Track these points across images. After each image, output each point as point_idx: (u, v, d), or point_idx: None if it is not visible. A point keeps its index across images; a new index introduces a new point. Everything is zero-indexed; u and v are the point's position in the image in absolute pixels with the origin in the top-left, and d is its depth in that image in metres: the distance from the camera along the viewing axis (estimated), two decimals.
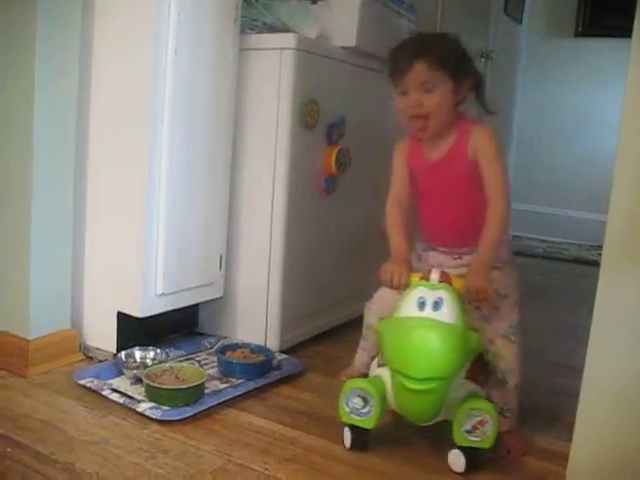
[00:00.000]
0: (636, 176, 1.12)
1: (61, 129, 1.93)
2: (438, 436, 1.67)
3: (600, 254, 1.17)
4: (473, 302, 1.52)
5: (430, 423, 1.55)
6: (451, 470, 1.52)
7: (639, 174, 1.12)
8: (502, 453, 1.56)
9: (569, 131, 4.55)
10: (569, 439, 1.26)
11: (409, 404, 1.51)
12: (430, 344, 1.41)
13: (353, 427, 1.58)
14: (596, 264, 1.21)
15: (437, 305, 1.46)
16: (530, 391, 1.86)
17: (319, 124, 2.18)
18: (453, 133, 1.64)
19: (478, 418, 1.46)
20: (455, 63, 1.60)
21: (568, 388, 1.83)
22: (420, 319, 1.46)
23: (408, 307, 1.50)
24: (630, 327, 1.13)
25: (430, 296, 1.48)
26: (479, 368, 1.61)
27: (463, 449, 1.49)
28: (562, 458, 1.40)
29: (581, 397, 1.18)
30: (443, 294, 1.48)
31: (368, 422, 1.56)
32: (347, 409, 1.57)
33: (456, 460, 1.50)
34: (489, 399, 1.55)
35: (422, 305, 1.48)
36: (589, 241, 4.41)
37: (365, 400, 1.55)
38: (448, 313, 1.46)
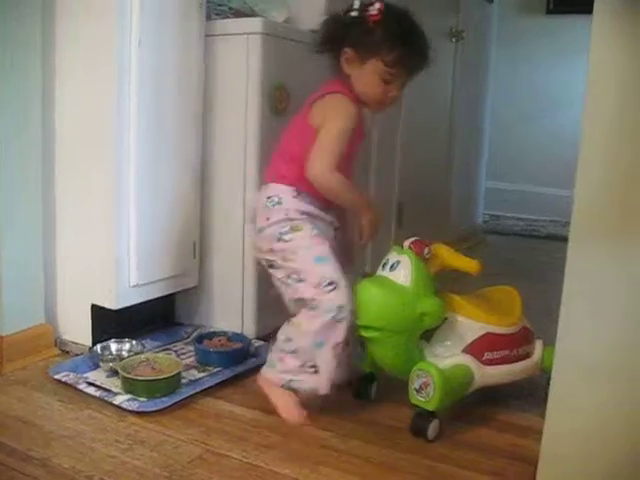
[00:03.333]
0: (604, 142, 1.12)
1: (26, 118, 1.90)
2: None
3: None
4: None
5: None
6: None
7: (606, 138, 1.12)
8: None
9: (542, 109, 4.55)
10: (543, 414, 1.27)
11: (371, 351, 1.67)
12: (369, 296, 1.59)
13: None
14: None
15: (393, 267, 1.62)
16: None
17: (289, 109, 2.17)
18: None
19: (423, 379, 1.57)
20: None
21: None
22: (373, 277, 1.65)
23: (379, 266, 1.68)
24: (599, 300, 1.14)
25: (392, 258, 1.64)
26: None
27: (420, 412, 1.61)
28: (536, 433, 1.41)
29: (553, 372, 1.18)
30: (402, 258, 1.61)
31: (365, 365, 1.76)
32: None
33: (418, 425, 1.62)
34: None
35: (384, 266, 1.65)
36: (564, 218, 4.43)
37: (362, 345, 1.71)
38: (401, 275, 1.60)
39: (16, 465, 1.42)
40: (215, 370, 1.91)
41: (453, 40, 3.39)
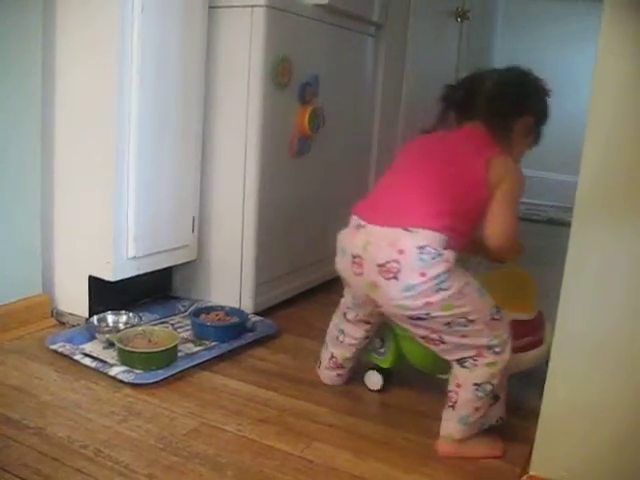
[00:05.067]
0: (609, 123, 1.11)
1: (26, 86, 1.88)
2: (413, 402, 1.69)
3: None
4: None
5: (439, 374, 1.62)
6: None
7: (612, 120, 1.11)
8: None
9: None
10: (541, 394, 1.26)
11: (408, 348, 1.63)
12: None
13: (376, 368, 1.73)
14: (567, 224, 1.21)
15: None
16: None
17: (292, 83, 2.15)
18: None
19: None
20: None
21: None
22: None
23: None
24: (602, 280, 1.13)
25: None
26: None
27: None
28: (534, 413, 1.41)
29: (552, 351, 1.18)
30: None
31: (384, 362, 1.70)
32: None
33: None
34: None
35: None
36: (566, 203, 4.41)
37: (382, 341, 1.69)
38: None
39: (11, 433, 1.41)
40: (212, 344, 1.90)
41: (458, 20, 3.36)
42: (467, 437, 1.45)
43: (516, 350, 1.56)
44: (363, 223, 1.46)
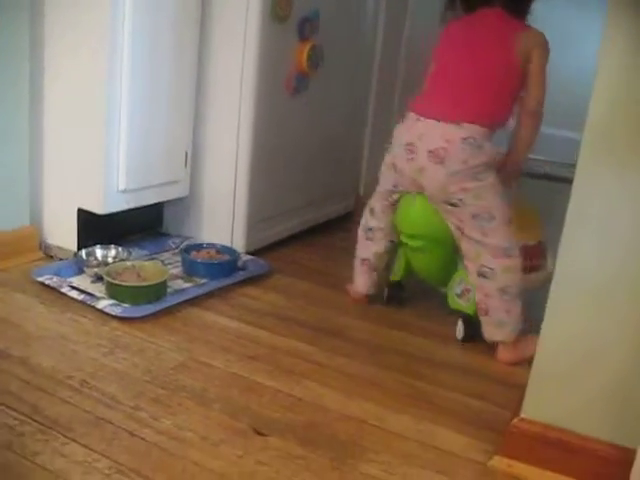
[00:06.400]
0: (618, 71, 1.07)
1: (14, 19, 1.81)
2: (403, 344, 1.68)
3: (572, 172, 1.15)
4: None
5: (442, 287, 1.81)
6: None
7: (621, 67, 1.07)
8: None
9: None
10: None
11: (413, 261, 1.80)
12: (415, 207, 1.69)
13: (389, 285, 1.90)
14: (568, 181, 1.19)
15: (421, 189, 1.66)
16: None
17: (291, 17, 2.07)
18: None
19: (465, 285, 1.70)
20: None
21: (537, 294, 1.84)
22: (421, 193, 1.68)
23: None
24: (604, 221, 1.10)
25: None
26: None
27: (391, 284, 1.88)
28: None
29: (552, 290, 1.15)
30: None
31: (394, 276, 1.89)
32: None
33: (458, 328, 1.74)
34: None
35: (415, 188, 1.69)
36: (562, 159, 4.37)
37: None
38: None
39: None
40: (202, 281, 1.88)
41: None
42: (514, 338, 1.63)
43: None
44: (421, 118, 1.65)
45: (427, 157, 1.61)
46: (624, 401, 1.14)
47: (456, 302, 1.73)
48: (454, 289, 1.73)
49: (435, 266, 1.77)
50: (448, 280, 1.76)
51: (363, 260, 1.87)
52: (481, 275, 1.63)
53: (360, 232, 1.87)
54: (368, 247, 1.85)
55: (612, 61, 1.08)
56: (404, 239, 1.74)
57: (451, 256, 1.74)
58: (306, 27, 2.13)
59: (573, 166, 1.12)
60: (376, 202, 1.81)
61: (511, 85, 1.64)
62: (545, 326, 1.17)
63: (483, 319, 1.65)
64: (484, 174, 1.60)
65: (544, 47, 1.64)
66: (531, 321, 1.53)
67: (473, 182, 1.59)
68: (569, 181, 1.14)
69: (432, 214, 1.67)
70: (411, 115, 1.69)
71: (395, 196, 1.74)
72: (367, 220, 1.85)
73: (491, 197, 1.61)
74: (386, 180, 1.76)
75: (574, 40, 4.07)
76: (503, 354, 1.64)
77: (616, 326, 1.12)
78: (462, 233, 1.64)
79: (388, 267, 1.89)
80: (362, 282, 1.88)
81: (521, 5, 1.69)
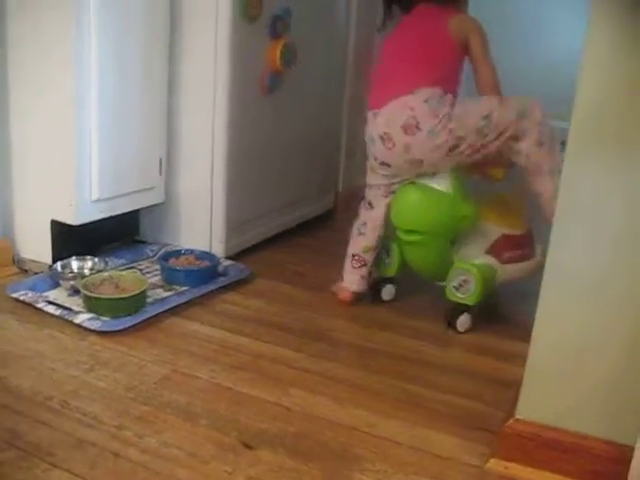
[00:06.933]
0: (604, 60, 1.05)
1: None
2: (389, 346, 1.65)
3: None
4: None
5: (438, 281, 1.80)
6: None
7: (607, 57, 1.04)
8: None
9: (528, 37, 4.42)
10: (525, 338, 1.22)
11: (409, 255, 1.79)
12: (412, 202, 1.69)
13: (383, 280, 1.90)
14: None
15: (433, 174, 1.71)
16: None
17: (262, 16, 2.03)
18: None
19: (463, 277, 1.71)
20: None
21: (528, 291, 1.82)
22: (414, 183, 1.71)
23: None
24: (593, 220, 1.08)
25: None
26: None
27: (386, 280, 1.88)
28: (517, 357, 1.38)
29: (542, 287, 1.13)
30: None
31: (389, 271, 1.87)
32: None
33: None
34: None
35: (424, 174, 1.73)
36: None
37: (387, 252, 1.87)
38: (442, 182, 1.69)
39: None
40: (182, 289, 1.83)
41: None
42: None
43: (508, 261, 1.78)
44: (376, 111, 1.72)
45: (403, 134, 1.67)
46: (619, 397, 1.12)
47: (454, 295, 1.73)
48: (452, 282, 1.73)
49: (431, 260, 1.78)
50: (444, 273, 1.76)
51: (354, 256, 1.87)
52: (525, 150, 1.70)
53: (354, 229, 1.88)
54: (359, 242, 1.86)
55: (598, 51, 1.05)
56: (400, 234, 1.74)
57: (446, 249, 1.76)
58: (278, 25, 2.09)
59: None
60: (372, 196, 1.83)
61: (449, 57, 1.73)
62: (537, 325, 1.15)
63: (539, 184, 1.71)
64: (454, 110, 1.67)
65: (478, 31, 1.74)
66: None
67: (452, 121, 1.65)
68: None
69: (428, 208, 1.68)
70: (369, 114, 1.75)
71: (395, 186, 1.76)
72: (362, 215, 1.86)
73: (472, 111, 1.68)
74: (377, 176, 1.79)
75: (564, 25, 4.06)
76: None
77: (609, 322, 1.09)
78: (486, 153, 1.70)
79: (375, 263, 1.88)
80: (352, 279, 1.87)
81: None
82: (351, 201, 2.73)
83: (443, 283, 1.77)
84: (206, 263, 1.94)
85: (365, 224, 1.84)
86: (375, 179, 1.81)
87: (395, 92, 1.70)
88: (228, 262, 2.02)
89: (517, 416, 1.18)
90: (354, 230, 1.88)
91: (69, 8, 1.70)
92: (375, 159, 1.76)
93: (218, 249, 2.07)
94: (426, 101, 1.66)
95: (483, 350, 1.65)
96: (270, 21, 2.07)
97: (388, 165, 1.74)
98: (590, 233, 1.09)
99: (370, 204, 1.84)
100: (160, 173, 2.05)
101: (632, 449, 1.01)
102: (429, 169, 1.70)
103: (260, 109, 2.14)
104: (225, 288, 1.88)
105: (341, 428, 1.29)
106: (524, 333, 1.21)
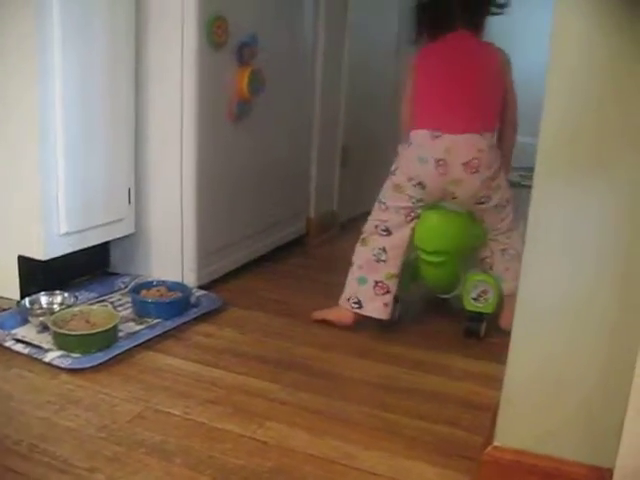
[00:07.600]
0: (571, 74, 1.04)
1: None
2: (365, 375, 1.63)
3: (522, 175, 1.11)
4: None
5: (448, 295, 1.94)
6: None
7: (574, 73, 1.04)
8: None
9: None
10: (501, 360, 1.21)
11: (427, 273, 1.86)
12: (436, 225, 1.78)
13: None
14: (518, 185, 1.17)
15: (453, 198, 1.78)
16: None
17: (228, 43, 2.03)
18: None
19: (482, 288, 1.83)
20: None
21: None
22: (433, 207, 1.80)
23: None
24: (566, 242, 1.07)
25: None
26: None
27: (476, 317, 1.87)
28: (493, 380, 1.37)
29: (515, 316, 1.12)
30: None
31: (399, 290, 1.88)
32: None
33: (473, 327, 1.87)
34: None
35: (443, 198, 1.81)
36: (519, 163, 4.40)
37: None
38: (454, 204, 1.80)
39: None
40: (154, 322, 1.81)
41: None
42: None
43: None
44: (439, 134, 1.73)
45: (462, 169, 1.72)
46: (598, 421, 1.11)
47: (473, 305, 1.84)
48: (470, 294, 1.83)
49: (447, 277, 1.88)
50: (452, 287, 1.90)
51: (377, 282, 1.82)
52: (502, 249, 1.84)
53: (367, 255, 1.83)
54: (379, 270, 1.81)
55: (564, 61, 1.04)
56: (423, 255, 1.80)
57: (459, 265, 1.86)
58: (245, 52, 2.08)
59: (524, 169, 1.09)
60: (390, 222, 1.81)
61: (499, 94, 1.81)
62: (512, 350, 1.14)
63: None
64: (500, 171, 1.77)
65: (510, 63, 1.84)
66: None
67: (495, 180, 1.75)
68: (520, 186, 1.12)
69: (450, 228, 1.78)
70: (423, 133, 1.76)
71: (418, 211, 1.79)
72: (376, 241, 1.82)
73: (504, 187, 1.79)
74: (402, 197, 1.79)
75: (532, 40, 4.09)
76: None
77: (586, 346, 1.09)
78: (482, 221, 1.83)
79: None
80: (373, 306, 1.82)
81: (478, 21, 1.84)
82: (322, 226, 2.74)
83: (446, 295, 1.94)
84: (178, 294, 1.92)
85: (384, 251, 1.81)
86: (397, 200, 1.79)
87: (463, 127, 1.73)
88: (201, 292, 2.00)
89: (495, 443, 1.17)
90: (367, 256, 1.82)
91: (31, 40, 1.68)
92: (410, 179, 1.76)
93: (190, 278, 2.05)
94: (490, 148, 1.74)
95: (459, 374, 1.64)
96: (237, 48, 2.06)
97: (423, 187, 1.75)
98: (563, 255, 1.08)
99: (387, 230, 1.80)
100: (129, 203, 2.03)
101: (612, 472, 1.01)
102: (451, 202, 1.78)
103: (229, 137, 2.12)
104: (198, 319, 1.86)
105: (319, 461, 1.27)
106: (499, 355, 1.21)
